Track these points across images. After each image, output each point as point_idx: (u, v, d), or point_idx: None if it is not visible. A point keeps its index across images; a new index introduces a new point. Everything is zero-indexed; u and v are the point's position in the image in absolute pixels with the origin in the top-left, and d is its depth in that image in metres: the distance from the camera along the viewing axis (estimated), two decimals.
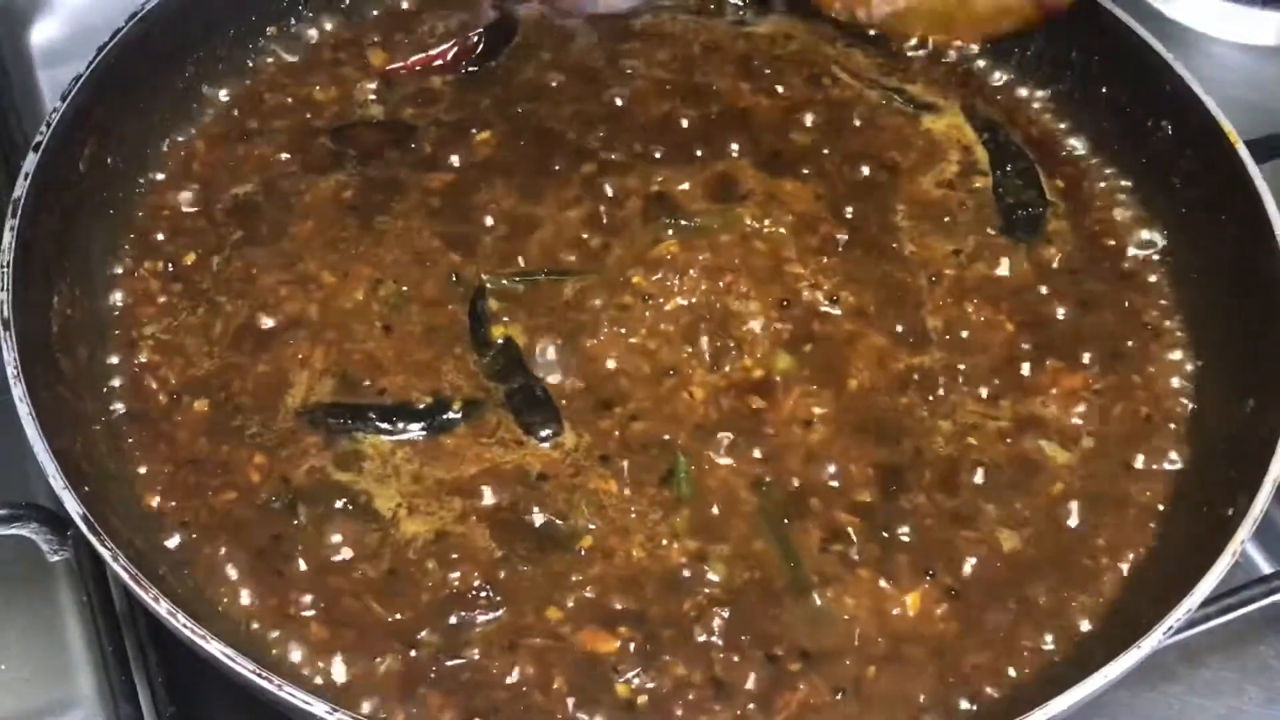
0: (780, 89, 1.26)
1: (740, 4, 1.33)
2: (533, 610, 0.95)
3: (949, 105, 1.26)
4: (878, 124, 1.24)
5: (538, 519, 0.99)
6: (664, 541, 0.98)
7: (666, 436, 1.03)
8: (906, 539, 1.00)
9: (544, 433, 1.03)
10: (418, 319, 1.09)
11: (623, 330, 1.08)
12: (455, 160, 1.19)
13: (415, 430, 1.03)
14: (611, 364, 1.07)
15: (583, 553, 0.98)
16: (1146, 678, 1.07)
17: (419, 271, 1.11)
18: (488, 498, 1.00)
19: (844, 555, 0.99)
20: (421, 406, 1.04)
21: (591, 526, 0.99)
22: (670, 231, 1.13)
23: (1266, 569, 1.12)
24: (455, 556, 0.97)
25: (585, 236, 1.14)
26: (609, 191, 1.16)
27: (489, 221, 1.15)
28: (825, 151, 1.21)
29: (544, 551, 0.97)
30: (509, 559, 0.97)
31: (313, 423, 1.03)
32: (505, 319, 1.09)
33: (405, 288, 1.10)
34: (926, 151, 1.22)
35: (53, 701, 1.04)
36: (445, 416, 1.03)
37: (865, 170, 1.20)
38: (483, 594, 0.95)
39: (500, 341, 1.07)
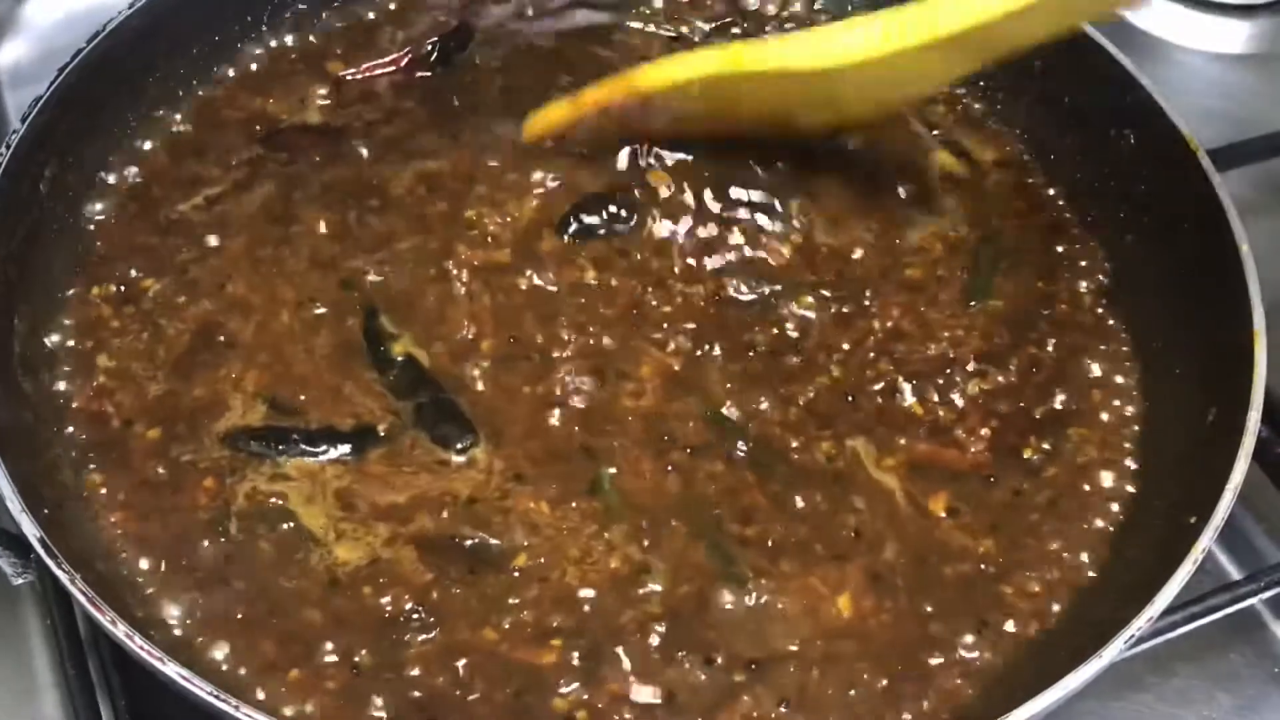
0: None
1: (706, 28, 1.32)
2: (468, 629, 0.94)
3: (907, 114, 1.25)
4: None
5: (469, 541, 0.98)
6: (596, 559, 0.97)
7: (581, 442, 1.02)
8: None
9: (460, 444, 1.02)
10: (328, 338, 1.07)
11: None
12: (385, 161, 1.17)
13: (337, 453, 1.01)
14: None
15: (517, 573, 0.96)
16: (1115, 687, 1.06)
17: (322, 282, 1.10)
18: (416, 522, 0.98)
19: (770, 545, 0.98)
20: (346, 429, 1.02)
21: (525, 544, 0.97)
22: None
23: (1237, 576, 1.12)
24: (385, 580, 0.95)
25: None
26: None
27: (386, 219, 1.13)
28: None
29: (476, 574, 0.96)
30: (440, 581, 0.96)
31: (237, 447, 1.01)
32: (401, 334, 1.07)
33: (319, 304, 1.09)
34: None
35: None
36: (366, 439, 1.02)
37: None
38: (415, 616, 0.94)
39: (401, 359, 1.06)
